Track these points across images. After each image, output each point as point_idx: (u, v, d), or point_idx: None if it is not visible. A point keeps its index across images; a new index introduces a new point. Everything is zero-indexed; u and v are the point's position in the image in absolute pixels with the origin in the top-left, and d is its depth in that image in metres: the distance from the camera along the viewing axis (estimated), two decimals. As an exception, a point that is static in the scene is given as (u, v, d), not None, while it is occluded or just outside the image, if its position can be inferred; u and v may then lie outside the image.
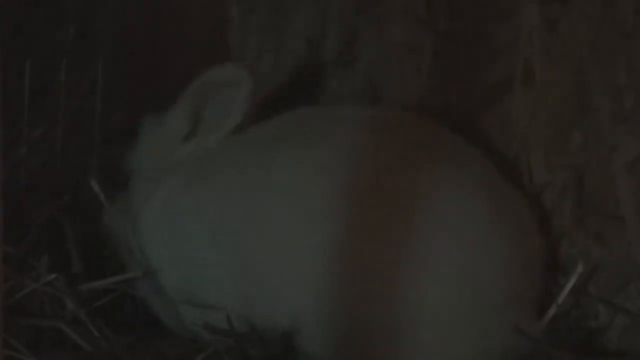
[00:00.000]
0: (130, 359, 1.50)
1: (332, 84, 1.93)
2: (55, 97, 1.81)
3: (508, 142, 1.73)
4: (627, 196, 1.60)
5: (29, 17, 1.78)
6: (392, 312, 1.52)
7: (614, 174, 1.61)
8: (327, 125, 1.66)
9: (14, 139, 1.74)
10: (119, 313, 1.63)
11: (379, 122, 1.67)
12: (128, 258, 1.74)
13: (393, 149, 1.61)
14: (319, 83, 1.94)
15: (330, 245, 1.54)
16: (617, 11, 1.58)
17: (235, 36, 1.96)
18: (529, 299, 1.58)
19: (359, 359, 1.54)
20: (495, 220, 1.57)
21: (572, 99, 1.65)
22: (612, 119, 1.60)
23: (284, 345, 1.55)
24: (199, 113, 1.74)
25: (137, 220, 1.73)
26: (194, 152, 1.74)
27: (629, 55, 1.58)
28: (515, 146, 1.72)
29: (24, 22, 1.77)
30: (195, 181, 1.69)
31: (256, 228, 1.59)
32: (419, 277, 1.52)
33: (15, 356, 1.45)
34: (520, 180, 1.69)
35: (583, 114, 1.64)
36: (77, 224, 1.70)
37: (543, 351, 1.53)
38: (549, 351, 1.53)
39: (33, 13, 1.79)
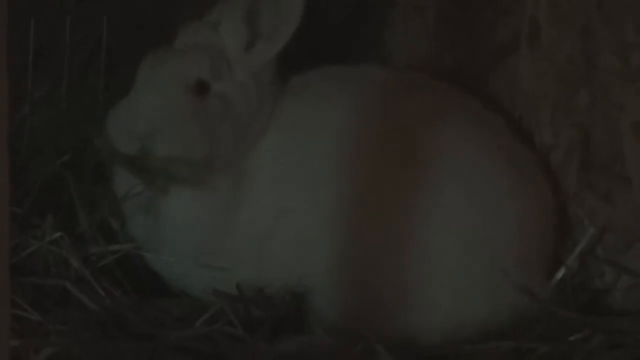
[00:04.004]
0: (135, 317, 1.51)
1: (340, 45, 1.92)
2: (59, 55, 1.81)
3: (515, 102, 1.72)
4: (634, 156, 1.60)
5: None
6: (402, 272, 1.53)
7: (621, 133, 1.61)
8: (338, 84, 1.65)
9: (19, 98, 1.74)
10: (123, 272, 1.63)
11: (393, 81, 1.66)
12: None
13: (407, 109, 1.61)
14: (326, 44, 1.93)
15: (342, 205, 1.55)
16: (624, -31, 1.57)
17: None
18: (540, 260, 1.59)
19: (369, 318, 1.54)
20: (511, 180, 1.58)
21: (579, 58, 1.64)
22: (619, 79, 1.60)
23: (292, 307, 1.56)
24: (254, 22, 1.63)
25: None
26: (257, 66, 1.64)
27: (637, 14, 1.58)
28: (522, 106, 1.71)
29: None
30: None
31: (266, 189, 1.60)
32: (431, 236, 1.53)
33: (21, 314, 1.46)
34: (531, 140, 1.69)
35: (590, 73, 1.63)
36: (82, 183, 1.69)
37: (549, 311, 1.54)
38: (555, 311, 1.54)
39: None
